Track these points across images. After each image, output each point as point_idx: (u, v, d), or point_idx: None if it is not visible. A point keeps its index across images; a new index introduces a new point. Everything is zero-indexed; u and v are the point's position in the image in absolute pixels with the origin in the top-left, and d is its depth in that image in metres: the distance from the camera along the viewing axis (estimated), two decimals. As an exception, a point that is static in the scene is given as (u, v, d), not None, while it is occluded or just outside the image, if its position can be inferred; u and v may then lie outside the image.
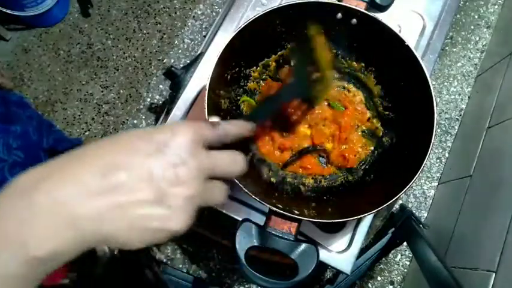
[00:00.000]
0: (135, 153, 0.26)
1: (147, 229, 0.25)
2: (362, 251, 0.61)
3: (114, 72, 1.72)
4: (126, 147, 0.26)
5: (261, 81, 0.61)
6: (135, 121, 0.74)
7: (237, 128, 0.35)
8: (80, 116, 1.67)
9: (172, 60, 0.76)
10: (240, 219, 0.49)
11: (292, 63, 0.55)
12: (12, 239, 0.22)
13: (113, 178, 0.24)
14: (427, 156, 0.47)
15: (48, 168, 0.25)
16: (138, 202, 0.25)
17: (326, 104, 0.60)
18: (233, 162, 0.32)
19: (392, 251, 0.67)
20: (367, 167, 0.57)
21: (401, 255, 0.68)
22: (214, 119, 0.34)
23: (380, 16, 0.53)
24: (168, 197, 0.26)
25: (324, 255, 0.55)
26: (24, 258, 0.22)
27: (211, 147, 0.32)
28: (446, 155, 0.72)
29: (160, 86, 0.75)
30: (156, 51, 1.75)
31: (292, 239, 0.46)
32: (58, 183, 0.24)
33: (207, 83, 0.50)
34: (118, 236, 0.25)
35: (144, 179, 0.25)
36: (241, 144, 0.37)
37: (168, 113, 0.64)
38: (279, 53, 0.60)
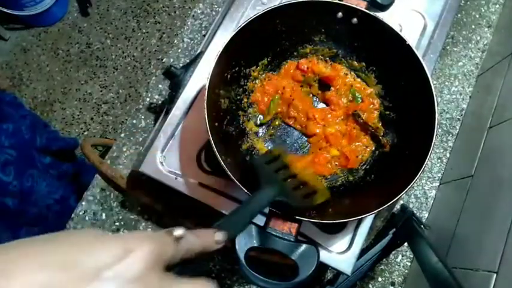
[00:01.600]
0: (66, 271, 0.21)
1: None
2: (363, 252, 0.61)
3: (113, 72, 1.72)
4: (59, 260, 0.21)
5: (261, 81, 0.61)
6: (134, 121, 0.73)
7: (203, 241, 0.30)
8: (78, 115, 1.67)
9: (171, 60, 0.76)
10: (240, 219, 0.48)
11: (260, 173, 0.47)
12: None
13: None
14: (428, 156, 0.47)
15: None
16: None
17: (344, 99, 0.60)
18: None
19: (393, 252, 0.67)
20: (367, 167, 0.57)
21: (402, 256, 0.67)
22: (179, 231, 0.27)
23: (381, 15, 0.53)
24: None
25: (324, 256, 0.55)
26: None
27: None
28: (448, 155, 0.72)
29: (160, 86, 0.75)
30: (156, 50, 1.75)
31: (292, 239, 0.46)
32: None
33: (207, 82, 0.49)
34: None
35: None
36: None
37: (167, 113, 0.63)
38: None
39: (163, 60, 0.77)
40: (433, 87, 0.49)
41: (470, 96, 0.75)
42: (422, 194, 0.71)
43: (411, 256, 0.67)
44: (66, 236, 0.23)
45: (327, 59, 0.62)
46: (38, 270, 0.20)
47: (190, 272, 0.28)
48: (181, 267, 0.28)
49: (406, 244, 0.66)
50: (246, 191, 0.47)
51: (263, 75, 0.61)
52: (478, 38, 0.78)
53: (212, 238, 0.31)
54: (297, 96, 0.60)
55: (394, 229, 0.64)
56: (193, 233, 0.29)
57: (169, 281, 0.24)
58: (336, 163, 0.58)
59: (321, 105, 0.62)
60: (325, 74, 0.60)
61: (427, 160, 0.46)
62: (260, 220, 0.49)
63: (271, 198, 0.43)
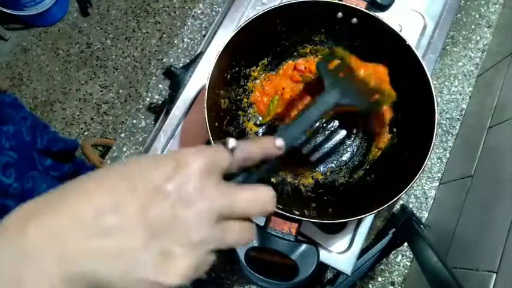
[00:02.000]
0: (132, 192, 0.23)
1: (141, 281, 0.22)
2: (363, 252, 0.61)
3: (114, 72, 1.72)
4: (126, 183, 0.23)
5: (261, 81, 0.61)
6: (135, 121, 0.73)
7: (261, 148, 0.30)
8: (79, 115, 1.67)
9: (171, 60, 0.76)
10: (240, 219, 0.48)
11: (322, 70, 0.45)
12: (7, 276, 0.21)
13: (105, 221, 0.22)
14: (428, 156, 0.47)
15: (44, 201, 0.23)
16: (130, 250, 0.22)
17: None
18: (258, 201, 0.26)
19: (393, 252, 0.67)
20: (367, 167, 0.57)
21: (402, 256, 0.67)
22: (232, 142, 0.27)
23: (381, 15, 0.53)
24: (167, 244, 0.22)
25: (324, 255, 0.55)
26: None
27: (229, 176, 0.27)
28: (447, 155, 0.72)
29: (160, 86, 0.75)
30: (156, 50, 1.75)
31: (292, 239, 0.46)
32: (53, 218, 0.22)
33: (207, 82, 0.49)
34: (113, 283, 0.22)
35: (138, 224, 0.22)
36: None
37: (167, 113, 0.63)
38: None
39: (163, 60, 0.77)
40: (433, 87, 0.49)
41: (470, 96, 0.75)
42: (422, 194, 0.71)
43: (411, 256, 0.67)
44: (131, 162, 0.25)
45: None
46: (108, 194, 0.23)
47: (253, 181, 0.29)
48: (245, 176, 0.29)
49: (406, 244, 0.66)
50: (246, 191, 0.46)
51: (263, 76, 0.61)
52: (478, 38, 0.78)
53: (272, 144, 0.31)
54: (297, 97, 0.60)
55: (394, 229, 0.64)
56: (251, 142, 0.30)
57: (227, 189, 0.25)
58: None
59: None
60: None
61: (426, 160, 0.46)
62: (260, 220, 0.49)
63: (335, 100, 0.41)
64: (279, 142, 0.31)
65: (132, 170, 0.24)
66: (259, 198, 0.26)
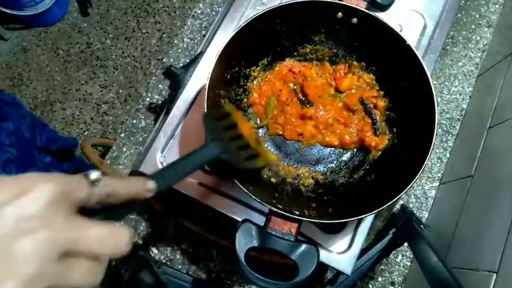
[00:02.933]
0: None
1: None
2: (363, 252, 0.61)
3: (113, 72, 1.72)
4: None
5: (259, 82, 0.61)
6: (135, 121, 0.73)
7: (128, 188, 0.28)
8: (79, 115, 1.67)
9: (171, 60, 0.76)
10: (240, 219, 0.48)
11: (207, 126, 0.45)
12: None
13: None
14: (428, 156, 0.47)
15: None
16: None
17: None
18: (109, 242, 0.24)
19: (393, 252, 0.67)
20: (367, 167, 0.57)
21: (402, 256, 0.67)
22: (94, 174, 0.25)
23: (381, 15, 0.53)
24: None
25: (324, 255, 0.55)
26: None
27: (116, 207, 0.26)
28: (447, 155, 0.72)
29: (160, 86, 0.75)
30: (156, 50, 1.75)
31: (292, 239, 0.46)
32: None
33: (207, 82, 0.49)
34: None
35: None
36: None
37: (167, 113, 0.63)
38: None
39: (163, 60, 0.77)
40: (433, 87, 0.49)
41: (470, 96, 0.75)
42: (422, 194, 0.71)
43: (411, 256, 0.67)
44: None
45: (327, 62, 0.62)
46: None
47: (117, 219, 0.27)
48: (107, 213, 0.27)
49: (406, 244, 0.66)
50: (246, 191, 0.47)
51: (261, 76, 0.61)
52: (478, 38, 0.78)
53: (143, 186, 0.29)
54: (292, 99, 0.60)
55: (394, 229, 0.64)
56: (119, 180, 0.28)
57: (76, 222, 0.23)
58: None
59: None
60: (312, 81, 0.61)
61: (427, 160, 0.46)
62: (260, 220, 0.49)
63: (214, 155, 0.41)
64: (150, 185, 0.30)
65: None
66: (112, 236, 0.24)
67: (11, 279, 0.20)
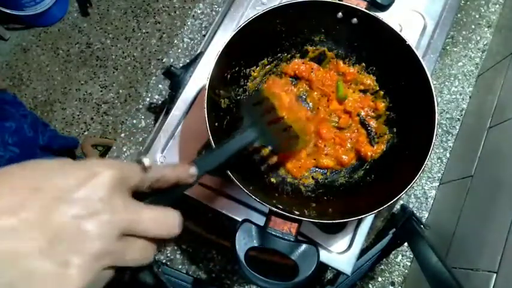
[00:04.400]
0: (36, 194, 0.22)
1: (38, 286, 0.21)
2: (363, 252, 0.61)
3: (113, 72, 1.72)
4: (29, 184, 0.22)
5: (263, 80, 0.61)
6: (134, 121, 0.73)
7: (174, 172, 0.30)
8: (79, 115, 1.67)
9: (171, 60, 0.76)
10: (240, 219, 0.48)
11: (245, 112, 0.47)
12: None
13: (4, 221, 0.21)
14: (428, 156, 0.47)
15: None
16: (27, 254, 0.21)
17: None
18: (163, 223, 0.26)
19: (393, 252, 0.67)
20: (367, 167, 0.57)
21: (402, 256, 0.67)
22: (146, 161, 0.27)
23: (381, 15, 0.53)
24: (65, 253, 0.22)
25: (324, 256, 0.55)
26: None
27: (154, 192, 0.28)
28: (448, 155, 0.72)
29: (160, 86, 0.75)
30: (156, 50, 1.74)
31: (292, 239, 0.46)
32: None
33: (207, 82, 0.49)
34: (14, 286, 0.21)
35: (37, 229, 0.21)
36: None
37: (167, 113, 0.63)
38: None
39: (163, 60, 0.77)
40: (433, 87, 0.49)
41: (470, 96, 0.75)
42: (422, 194, 0.71)
43: (411, 256, 0.67)
44: (36, 164, 0.24)
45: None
46: (8, 193, 0.22)
47: (164, 203, 0.29)
48: (156, 197, 0.29)
49: (406, 244, 0.66)
50: (246, 191, 0.47)
51: (262, 76, 0.61)
52: (478, 38, 0.78)
53: (186, 170, 0.32)
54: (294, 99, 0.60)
55: (394, 229, 0.64)
56: (166, 165, 0.31)
57: (134, 205, 0.25)
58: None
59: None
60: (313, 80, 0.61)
61: (427, 160, 0.46)
62: (260, 220, 0.49)
63: (251, 141, 0.42)
64: (192, 170, 0.32)
65: (38, 172, 0.23)
66: (164, 219, 0.27)
67: (79, 255, 0.22)
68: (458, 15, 0.79)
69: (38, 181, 0.23)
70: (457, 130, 0.73)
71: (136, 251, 0.25)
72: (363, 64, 0.60)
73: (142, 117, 0.74)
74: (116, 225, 0.24)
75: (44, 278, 0.21)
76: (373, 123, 0.59)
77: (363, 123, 0.59)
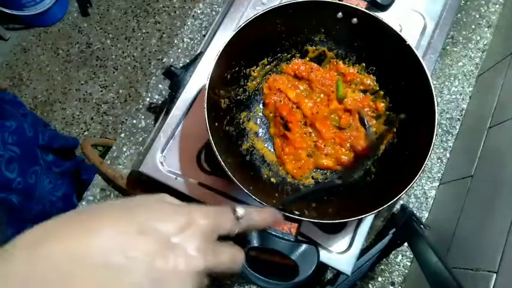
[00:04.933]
0: (142, 236, 0.25)
1: None
2: (363, 252, 0.61)
3: (113, 72, 1.72)
4: (133, 229, 0.25)
5: (263, 80, 0.61)
6: (134, 121, 0.73)
7: (263, 219, 0.33)
8: (79, 115, 1.67)
9: (171, 60, 0.76)
10: (240, 219, 0.48)
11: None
12: None
13: (112, 257, 0.24)
14: (428, 156, 0.47)
15: (55, 223, 0.24)
16: (131, 285, 0.24)
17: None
18: (233, 262, 0.30)
19: (393, 252, 0.67)
20: (367, 167, 0.57)
21: (402, 256, 0.67)
22: (240, 211, 0.31)
23: (381, 15, 0.53)
24: (161, 285, 0.24)
25: (324, 256, 0.55)
26: None
27: None
28: (448, 155, 0.72)
29: (160, 86, 0.75)
30: (156, 50, 1.74)
31: (292, 239, 0.46)
32: (72, 236, 0.23)
33: (207, 82, 0.49)
34: None
35: (142, 264, 0.24)
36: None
37: (167, 113, 0.63)
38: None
39: (163, 60, 0.77)
40: (433, 87, 0.49)
41: (470, 96, 0.75)
42: (422, 194, 0.71)
43: (411, 256, 0.67)
44: (137, 205, 0.27)
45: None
46: (116, 236, 0.24)
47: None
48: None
49: (406, 244, 0.66)
50: (246, 191, 0.47)
51: (263, 76, 0.61)
52: (478, 38, 0.78)
53: (273, 216, 0.34)
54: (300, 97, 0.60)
55: (394, 229, 0.64)
56: (256, 211, 0.33)
57: (219, 247, 0.28)
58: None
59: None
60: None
61: (427, 160, 0.46)
62: (260, 220, 0.48)
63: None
64: (280, 216, 0.35)
65: (142, 215, 0.26)
66: (236, 259, 0.30)
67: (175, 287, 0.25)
68: (458, 15, 0.79)
69: (142, 224, 0.25)
70: (457, 130, 0.73)
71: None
72: (363, 64, 0.60)
73: (142, 117, 0.74)
74: (205, 271, 0.27)
75: None
76: (370, 121, 0.59)
77: (362, 121, 0.59)
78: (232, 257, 0.30)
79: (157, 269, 0.24)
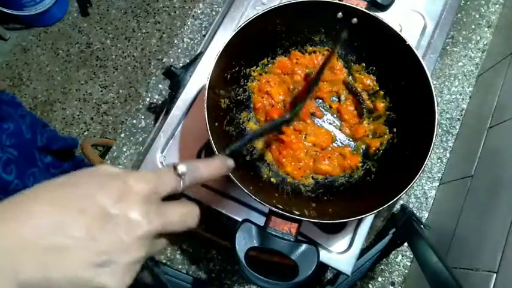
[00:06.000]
0: (81, 213, 0.25)
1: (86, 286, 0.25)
2: (363, 252, 0.61)
3: (113, 72, 1.72)
4: (73, 205, 0.25)
5: (263, 78, 0.61)
6: (134, 121, 0.73)
7: (210, 170, 0.33)
8: (79, 115, 1.67)
9: (171, 60, 0.76)
10: (240, 219, 0.48)
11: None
12: None
13: (54, 238, 0.24)
14: (428, 156, 0.47)
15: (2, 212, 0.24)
16: (78, 264, 0.24)
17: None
18: (185, 217, 0.30)
19: (393, 252, 0.67)
20: (367, 167, 0.57)
21: (402, 256, 0.67)
22: (182, 167, 0.30)
23: (381, 15, 0.53)
24: (110, 261, 0.25)
25: (324, 256, 0.55)
26: None
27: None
28: (448, 155, 0.72)
29: (160, 86, 0.75)
30: (156, 50, 1.74)
31: (292, 239, 0.46)
32: (8, 233, 0.23)
33: (207, 82, 0.49)
34: None
35: (85, 241, 0.24)
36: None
37: (167, 113, 0.63)
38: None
39: (163, 60, 0.77)
40: (433, 87, 0.49)
41: (470, 96, 0.75)
42: (422, 194, 0.71)
43: (411, 256, 0.67)
44: (80, 181, 0.27)
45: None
46: (58, 214, 0.24)
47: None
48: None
49: (406, 244, 0.66)
50: (246, 191, 0.47)
51: (262, 76, 0.61)
52: (478, 38, 0.78)
53: (223, 165, 0.34)
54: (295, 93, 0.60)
55: (394, 229, 0.64)
56: (202, 164, 0.32)
57: (164, 207, 0.28)
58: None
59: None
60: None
61: (427, 160, 0.46)
62: (260, 220, 0.49)
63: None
64: (231, 163, 0.34)
65: (81, 190, 0.26)
66: (189, 215, 0.30)
67: (123, 257, 0.25)
68: (458, 15, 0.79)
69: (81, 199, 0.25)
70: (457, 130, 0.73)
71: (159, 246, 0.29)
72: (363, 64, 0.60)
73: (142, 117, 0.74)
74: (152, 232, 0.26)
75: (90, 282, 0.24)
76: (366, 97, 0.59)
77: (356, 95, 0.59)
78: (182, 214, 0.29)
79: (99, 243, 0.24)
